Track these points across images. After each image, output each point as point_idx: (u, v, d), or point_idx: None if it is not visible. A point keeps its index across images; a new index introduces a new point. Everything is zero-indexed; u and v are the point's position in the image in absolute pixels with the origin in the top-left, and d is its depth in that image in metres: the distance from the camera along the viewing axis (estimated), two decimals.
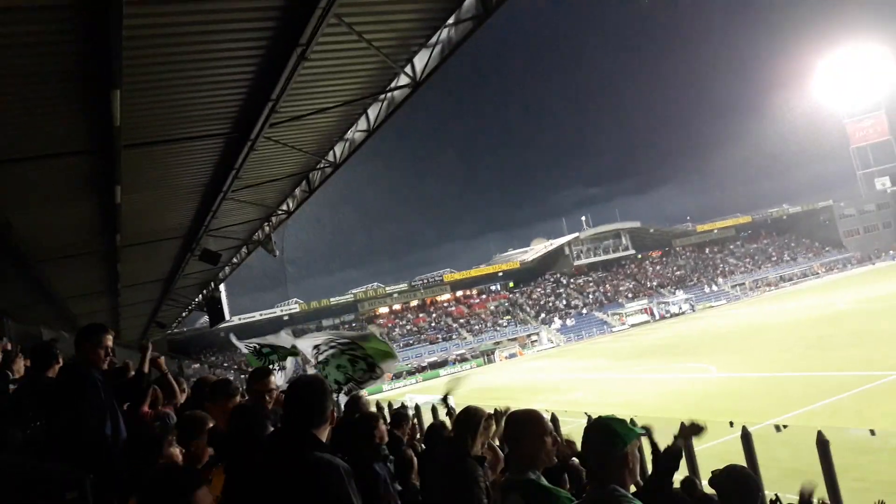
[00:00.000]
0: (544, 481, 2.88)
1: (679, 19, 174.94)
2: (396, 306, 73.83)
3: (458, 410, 4.16)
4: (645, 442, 4.91)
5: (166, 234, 12.36)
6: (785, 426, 9.27)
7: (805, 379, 23.11)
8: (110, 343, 4.37)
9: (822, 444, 7.77)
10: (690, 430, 3.87)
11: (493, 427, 3.89)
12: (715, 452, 4.95)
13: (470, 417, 3.80)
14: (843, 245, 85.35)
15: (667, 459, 3.93)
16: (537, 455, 2.90)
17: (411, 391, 43.82)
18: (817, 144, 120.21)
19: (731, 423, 8.46)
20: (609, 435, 2.44)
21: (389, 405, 11.97)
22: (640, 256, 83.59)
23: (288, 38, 5.74)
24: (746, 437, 8.23)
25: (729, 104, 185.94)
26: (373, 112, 8.94)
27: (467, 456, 3.60)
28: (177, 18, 5.10)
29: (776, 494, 7.74)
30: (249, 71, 6.39)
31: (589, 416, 3.25)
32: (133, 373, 4.93)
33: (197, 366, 54.63)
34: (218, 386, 4.57)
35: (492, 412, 4.10)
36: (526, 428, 2.95)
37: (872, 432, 8.94)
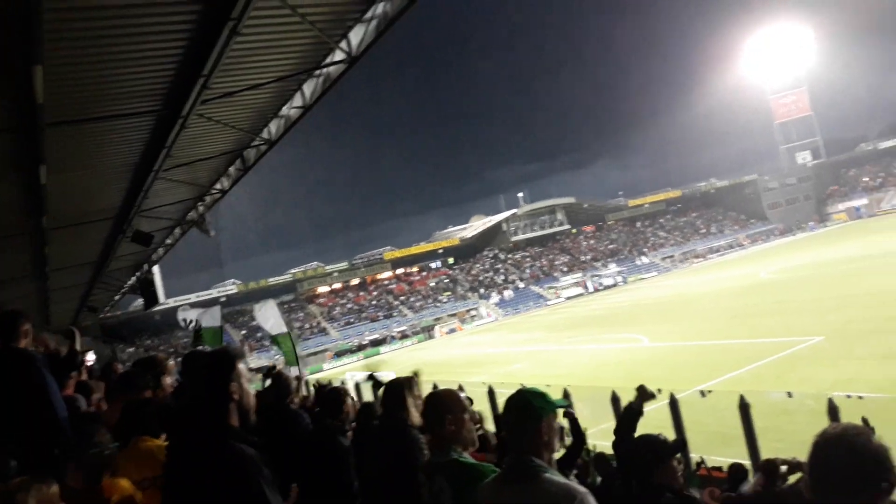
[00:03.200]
0: (466, 457, 2.94)
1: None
2: (337, 285, 73.25)
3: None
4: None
5: (96, 216, 11.94)
6: (709, 392, 9.76)
7: (730, 346, 24.18)
8: (28, 332, 4.26)
9: (744, 408, 8.25)
10: (646, 395, 4.43)
11: (419, 387, 3.88)
12: (644, 419, 5.18)
13: (394, 388, 3.79)
14: (767, 217, 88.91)
15: (626, 417, 4.38)
16: (458, 434, 2.96)
17: (351, 369, 43.80)
18: (743, 120, 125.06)
19: (659, 390, 8.84)
20: (525, 407, 2.47)
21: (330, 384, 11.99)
22: (574, 231, 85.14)
23: (218, 13, 5.60)
24: (674, 404, 8.64)
25: (660, 81, 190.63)
26: (308, 88, 8.81)
27: (408, 426, 3.58)
28: None
29: (701, 457, 8.18)
30: (179, 46, 6.22)
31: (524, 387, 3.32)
32: (65, 352, 4.86)
33: (132, 350, 53.22)
34: (129, 377, 4.49)
35: (411, 374, 4.13)
36: (446, 408, 3.00)
37: (790, 394, 9.50)
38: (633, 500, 3.57)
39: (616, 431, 4.41)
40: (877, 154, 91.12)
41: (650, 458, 3.54)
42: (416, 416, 3.57)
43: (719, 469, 8.01)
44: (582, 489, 2.21)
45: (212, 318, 9.95)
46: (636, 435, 4.06)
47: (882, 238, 52.25)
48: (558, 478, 2.29)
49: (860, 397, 9.00)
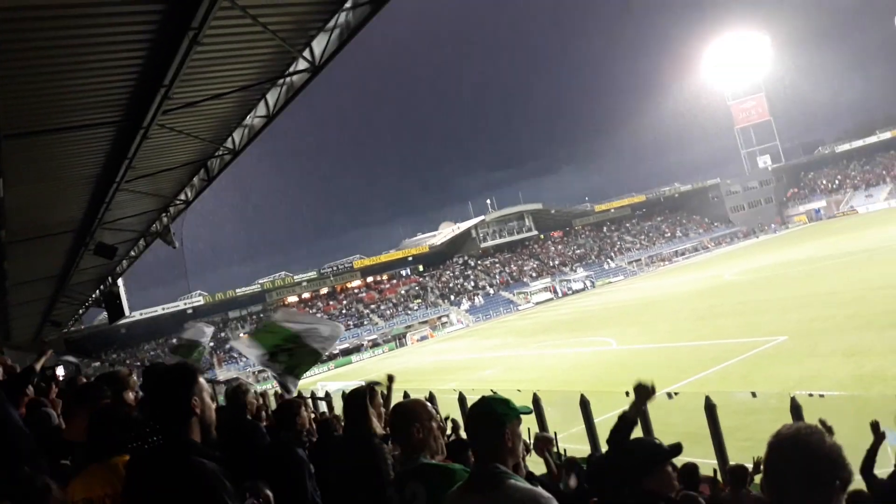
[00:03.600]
0: (436, 461, 2.97)
1: (575, 7, 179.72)
2: (306, 294, 72.62)
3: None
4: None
5: (57, 229, 11.70)
6: (676, 393, 9.86)
7: (697, 348, 24.50)
8: None
9: (710, 408, 8.36)
10: (644, 394, 3.54)
11: (380, 397, 3.85)
12: (614, 422, 5.23)
13: (355, 398, 3.77)
14: (730, 220, 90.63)
15: (621, 426, 3.66)
16: (426, 441, 2.99)
17: (323, 379, 43.42)
18: (705, 126, 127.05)
19: (628, 393, 8.91)
20: (489, 414, 2.48)
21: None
22: (542, 237, 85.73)
23: (178, 22, 5.55)
24: None
25: (623, 89, 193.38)
26: (272, 97, 8.77)
27: (372, 436, 3.57)
28: (57, 1, 4.85)
29: None
30: (139, 56, 6.15)
31: (494, 393, 3.30)
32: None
33: (97, 364, 52.15)
34: (87, 389, 4.41)
35: (371, 382, 4.08)
36: (413, 416, 3.03)
37: (754, 394, 9.65)
38: None
39: (609, 441, 3.78)
40: (834, 157, 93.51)
41: (642, 462, 3.31)
42: (378, 426, 3.57)
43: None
44: (547, 494, 2.22)
45: (200, 334, 9.69)
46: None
47: (841, 239, 53.56)
48: (523, 484, 2.30)
49: (821, 395, 9.19)
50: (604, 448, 4.53)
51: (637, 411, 3.63)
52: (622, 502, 3.36)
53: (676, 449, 3.36)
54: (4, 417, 3.99)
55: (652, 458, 3.31)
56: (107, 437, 3.39)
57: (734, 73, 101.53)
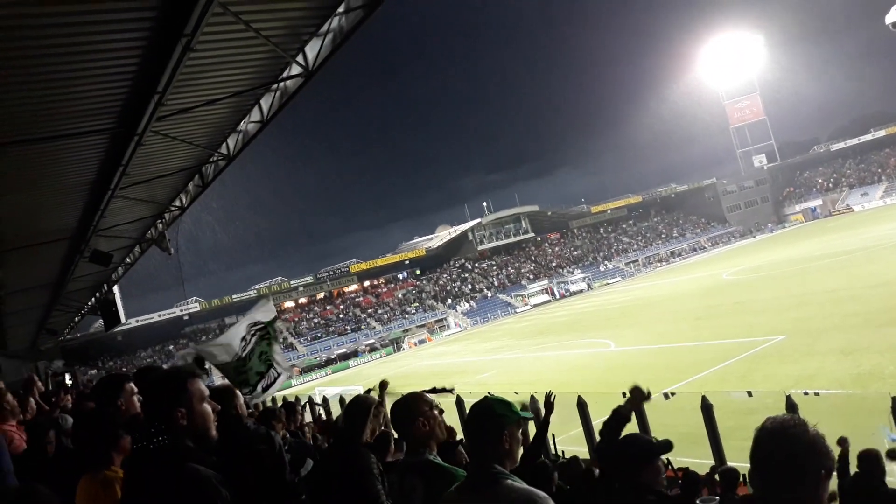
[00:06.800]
0: (440, 461, 2.99)
1: (572, 9, 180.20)
2: (302, 300, 72.53)
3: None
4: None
5: (52, 237, 11.67)
6: (673, 394, 9.86)
7: (696, 348, 24.51)
8: None
9: (707, 408, 8.36)
10: (639, 396, 3.89)
11: (383, 414, 3.89)
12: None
13: (359, 406, 3.80)
14: (727, 220, 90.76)
15: (613, 421, 3.94)
16: (430, 433, 3.02)
17: (320, 384, 43.36)
18: (700, 125, 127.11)
19: (625, 394, 8.91)
20: (488, 416, 2.47)
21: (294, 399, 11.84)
22: (539, 239, 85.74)
23: (171, 29, 5.55)
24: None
25: (618, 90, 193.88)
26: (266, 102, 8.77)
27: (358, 445, 3.58)
28: (47, 9, 4.84)
29: (668, 458, 8.26)
30: (132, 63, 6.14)
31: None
32: None
33: (94, 372, 52.09)
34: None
35: (378, 398, 4.13)
36: (413, 409, 3.05)
37: (749, 394, 9.65)
38: (615, 502, 3.50)
39: (601, 433, 4.06)
40: (829, 156, 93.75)
41: (635, 457, 3.43)
42: (367, 435, 3.60)
43: (686, 471, 8.12)
44: (542, 494, 2.22)
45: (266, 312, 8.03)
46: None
47: (837, 237, 53.68)
48: (520, 484, 2.30)
49: (816, 394, 9.20)
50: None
51: (631, 410, 3.89)
52: (617, 494, 3.42)
53: (668, 445, 3.49)
54: None
55: (645, 453, 3.41)
56: (90, 446, 3.28)
57: (729, 73, 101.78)
